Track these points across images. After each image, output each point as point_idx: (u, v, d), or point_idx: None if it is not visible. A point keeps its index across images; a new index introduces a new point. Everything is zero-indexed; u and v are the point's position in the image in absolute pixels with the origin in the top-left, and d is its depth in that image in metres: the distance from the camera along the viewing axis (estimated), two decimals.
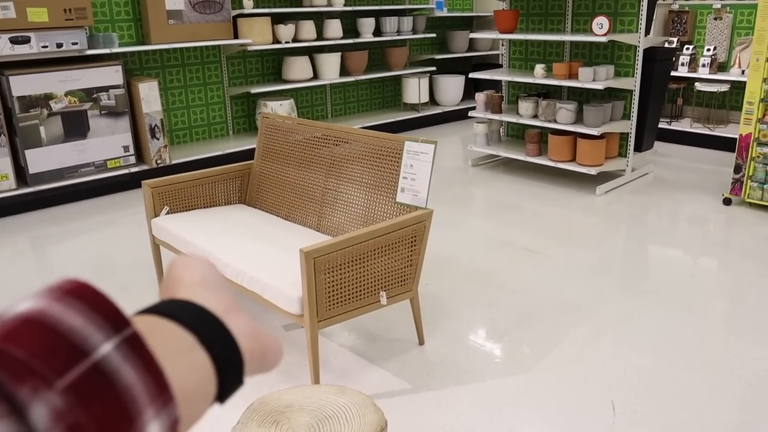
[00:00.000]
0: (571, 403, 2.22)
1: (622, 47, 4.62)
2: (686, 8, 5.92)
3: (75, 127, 4.50)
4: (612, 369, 2.41)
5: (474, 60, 8.08)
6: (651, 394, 2.26)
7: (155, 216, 2.90)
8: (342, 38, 6.06)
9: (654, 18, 5.58)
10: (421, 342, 2.60)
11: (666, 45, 5.73)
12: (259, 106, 5.66)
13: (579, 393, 2.27)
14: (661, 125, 5.90)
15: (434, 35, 6.80)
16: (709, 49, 5.63)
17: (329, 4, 5.87)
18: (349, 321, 2.80)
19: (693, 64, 5.72)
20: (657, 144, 5.91)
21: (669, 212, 4.13)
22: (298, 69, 5.78)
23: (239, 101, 5.86)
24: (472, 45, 7.66)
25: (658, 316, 2.81)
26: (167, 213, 2.93)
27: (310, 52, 6.28)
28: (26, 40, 4.18)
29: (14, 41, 4.13)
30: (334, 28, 5.93)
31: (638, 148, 4.84)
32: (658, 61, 4.60)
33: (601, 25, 4.24)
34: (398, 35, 6.45)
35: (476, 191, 4.71)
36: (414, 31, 6.72)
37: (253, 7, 5.59)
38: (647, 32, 4.51)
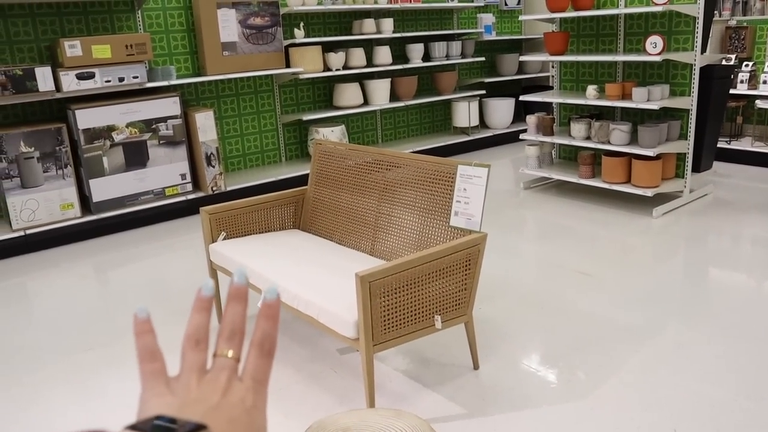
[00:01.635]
0: None
1: (678, 66, 4.53)
2: (744, 24, 5.78)
3: (135, 156, 4.67)
4: (673, 397, 2.33)
5: (523, 83, 8.05)
6: (716, 423, 2.17)
7: (213, 241, 2.98)
8: (391, 64, 6.14)
9: (710, 35, 5.45)
10: (476, 366, 2.57)
11: (724, 62, 5.59)
12: (311, 132, 5.76)
13: (639, 421, 2.20)
14: (720, 145, 5.73)
15: (483, 59, 6.82)
16: None
17: (378, 32, 5.97)
18: (402, 345, 2.79)
19: (753, 81, 5.56)
20: (716, 164, 5.74)
21: (730, 234, 3.99)
22: (348, 95, 5.88)
23: (291, 128, 5.98)
24: (521, 68, 7.64)
25: (721, 342, 2.70)
26: (224, 238, 3.00)
27: (360, 79, 6.38)
28: (91, 76, 4.38)
29: (80, 77, 4.34)
30: (384, 55, 6.01)
31: (696, 169, 4.71)
32: (716, 79, 4.49)
33: (654, 44, 4.18)
34: (447, 60, 6.49)
35: (528, 214, 4.66)
36: (463, 55, 6.75)
37: (304, 37, 5.73)
38: (704, 50, 4.41)
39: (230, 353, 0.54)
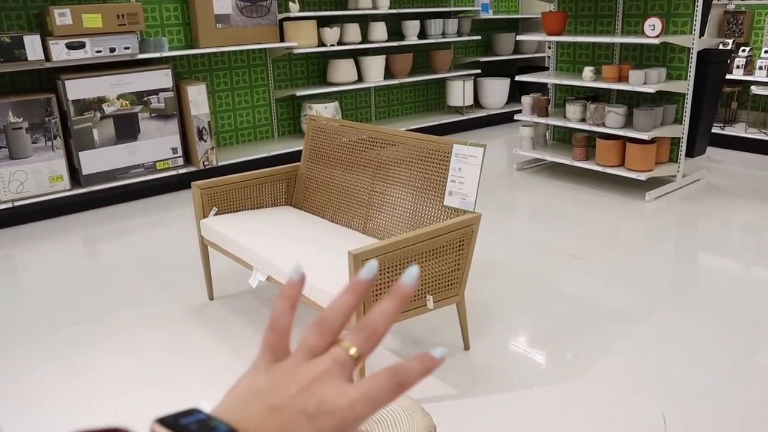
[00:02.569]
0: (620, 415, 2.16)
1: (675, 49, 4.50)
2: (743, 8, 5.74)
3: (126, 129, 4.61)
4: (662, 380, 2.34)
5: (519, 62, 7.99)
6: (704, 407, 2.19)
7: (204, 217, 2.95)
8: (387, 41, 6.07)
9: (708, 19, 5.42)
10: (467, 347, 2.58)
11: (721, 47, 5.56)
12: (304, 108, 5.71)
13: (628, 404, 2.21)
14: (714, 130, 5.73)
15: (479, 37, 6.75)
16: (767, 51, 5.44)
17: (374, 7, 5.89)
18: (393, 324, 2.78)
19: (749, 66, 5.54)
20: (709, 149, 5.74)
21: (721, 220, 4.00)
22: (342, 72, 5.81)
23: (284, 104, 5.92)
24: (517, 47, 7.58)
25: (710, 327, 2.72)
26: (215, 214, 2.97)
27: (355, 55, 6.30)
28: (81, 46, 4.30)
29: (70, 47, 4.26)
30: (379, 31, 5.94)
31: (690, 154, 4.70)
32: (713, 63, 4.47)
33: (653, 26, 4.14)
34: (443, 38, 6.42)
35: (521, 195, 4.65)
36: (459, 33, 6.69)
37: (299, 11, 5.65)
38: (702, 33, 4.38)
39: (352, 350, 0.46)
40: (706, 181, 4.80)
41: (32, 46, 4.11)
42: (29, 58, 4.11)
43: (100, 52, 4.38)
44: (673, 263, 3.38)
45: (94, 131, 4.48)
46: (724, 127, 5.82)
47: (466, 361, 2.50)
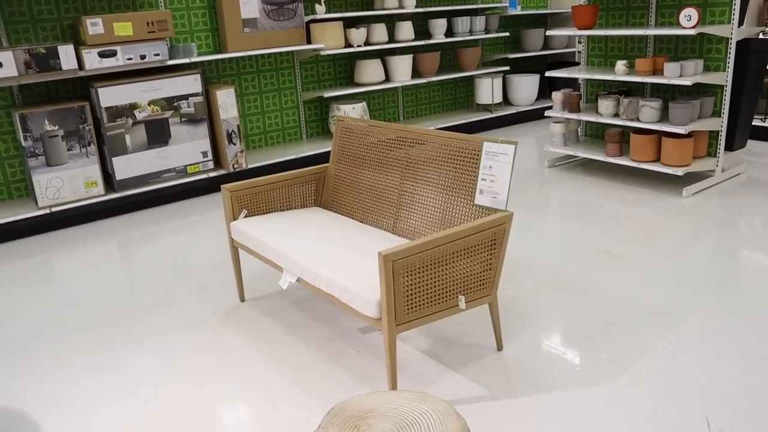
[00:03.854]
0: (660, 418, 2.09)
1: (712, 40, 4.38)
2: None
3: (157, 134, 4.67)
4: (704, 382, 2.26)
5: (548, 59, 7.88)
6: (750, 410, 2.10)
7: (234, 219, 2.95)
8: (414, 40, 6.03)
9: (748, 7, 5.26)
10: (500, 347, 2.53)
11: (761, 36, 5.39)
12: (332, 109, 5.71)
13: (669, 407, 2.14)
14: (754, 122, 5.56)
15: (507, 34, 6.67)
16: None
17: (401, 6, 5.86)
18: (425, 325, 2.75)
19: None
20: (750, 142, 5.58)
21: (763, 216, 3.87)
22: (370, 72, 5.80)
23: (312, 105, 5.93)
24: (546, 43, 7.48)
25: (753, 327, 2.62)
26: (245, 216, 2.98)
27: (382, 55, 6.28)
28: (113, 54, 4.36)
29: (102, 55, 4.32)
30: (406, 30, 5.91)
31: (729, 147, 4.56)
32: (753, 53, 4.33)
33: (689, 17, 4.03)
34: (470, 35, 6.36)
35: (553, 193, 4.57)
36: (486, 30, 6.62)
37: (326, 13, 5.65)
38: (741, 23, 4.25)
39: None
40: (746, 176, 4.65)
41: (66, 55, 4.18)
42: (63, 68, 4.19)
43: (131, 59, 4.44)
44: (712, 261, 3.28)
45: (127, 137, 4.54)
46: (765, 119, 5.64)
47: (500, 362, 2.45)
